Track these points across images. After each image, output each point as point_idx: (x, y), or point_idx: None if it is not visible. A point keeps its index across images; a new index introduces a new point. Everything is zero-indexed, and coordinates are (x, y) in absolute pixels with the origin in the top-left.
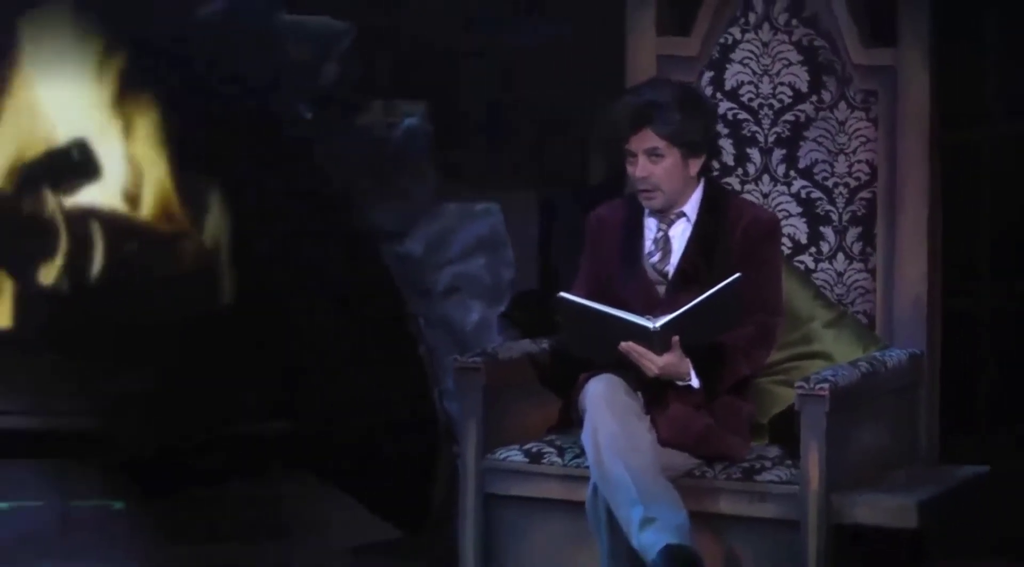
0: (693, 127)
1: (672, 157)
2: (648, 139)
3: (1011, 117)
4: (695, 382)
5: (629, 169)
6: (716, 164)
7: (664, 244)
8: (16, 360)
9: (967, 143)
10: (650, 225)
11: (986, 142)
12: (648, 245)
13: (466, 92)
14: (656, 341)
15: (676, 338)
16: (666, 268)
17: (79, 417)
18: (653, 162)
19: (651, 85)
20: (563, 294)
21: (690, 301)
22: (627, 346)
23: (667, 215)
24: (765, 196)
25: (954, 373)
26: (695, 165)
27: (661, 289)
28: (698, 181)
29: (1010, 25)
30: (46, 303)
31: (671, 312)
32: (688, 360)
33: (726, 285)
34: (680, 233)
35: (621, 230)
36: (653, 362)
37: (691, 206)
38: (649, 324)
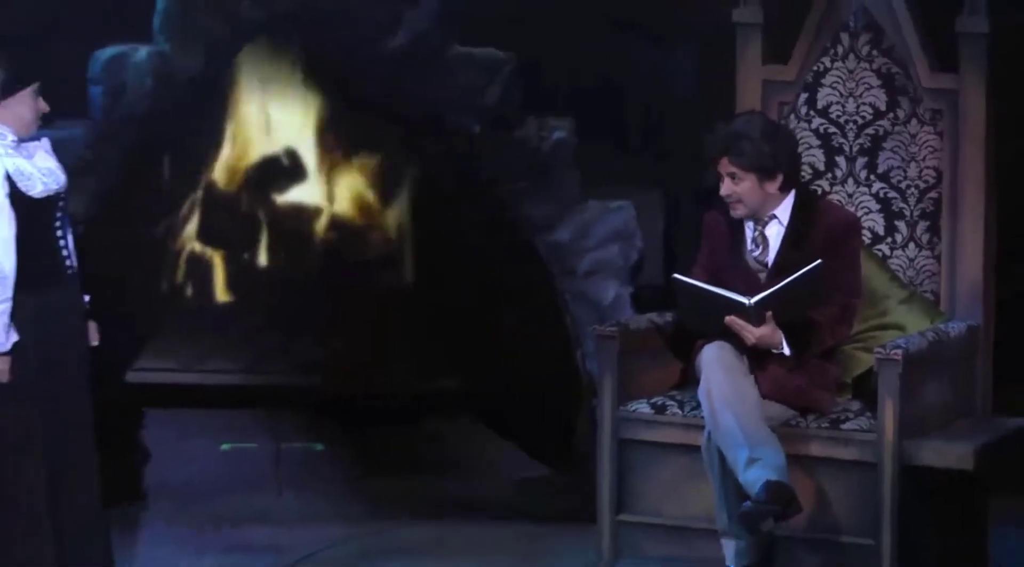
0: (765, 156)
1: (748, 180)
2: (727, 165)
3: None
4: (787, 350)
5: (720, 185)
6: (809, 170)
7: (762, 241)
8: (236, 328)
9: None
10: (749, 225)
11: None
12: (749, 242)
13: (606, 111)
14: (752, 315)
15: (769, 313)
16: (765, 259)
17: (287, 373)
18: (734, 182)
19: (739, 118)
20: (678, 275)
21: None
22: (730, 319)
23: (760, 219)
24: (849, 196)
25: (1013, 339)
26: (772, 184)
27: (762, 276)
28: (787, 191)
29: None
30: (260, 281)
31: None
32: (780, 332)
33: (807, 271)
34: (775, 233)
35: (728, 229)
36: (751, 333)
37: (783, 210)
38: (746, 301)
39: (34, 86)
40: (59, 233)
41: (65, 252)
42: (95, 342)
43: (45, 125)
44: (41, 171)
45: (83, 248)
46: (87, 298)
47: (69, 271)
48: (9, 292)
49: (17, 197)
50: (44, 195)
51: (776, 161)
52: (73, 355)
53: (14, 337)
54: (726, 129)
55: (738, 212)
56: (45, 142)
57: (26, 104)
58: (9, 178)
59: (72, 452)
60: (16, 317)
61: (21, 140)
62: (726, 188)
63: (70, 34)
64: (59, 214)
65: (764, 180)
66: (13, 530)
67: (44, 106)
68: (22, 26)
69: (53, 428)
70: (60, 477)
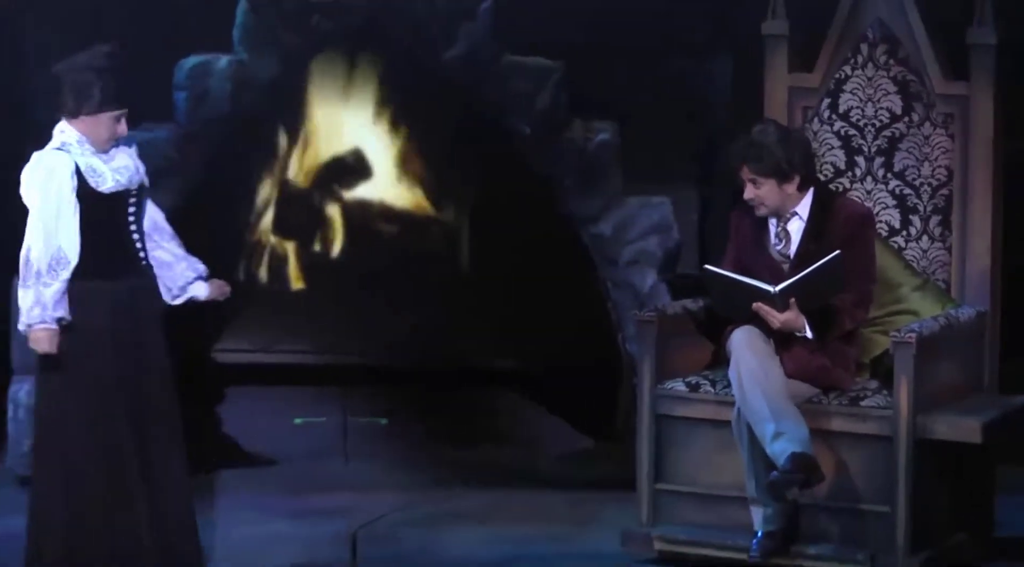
0: (780, 161)
1: (767, 183)
2: (748, 172)
3: None
4: (809, 334)
5: (744, 189)
6: (831, 169)
7: (784, 236)
8: (307, 312)
9: None
10: (772, 222)
11: None
12: (772, 236)
13: (646, 115)
14: (777, 302)
15: (792, 300)
16: (787, 252)
17: (354, 353)
18: (755, 186)
19: (755, 129)
20: (709, 266)
21: None
22: (757, 305)
23: (782, 216)
24: (868, 193)
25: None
26: (790, 185)
27: (785, 267)
28: (805, 190)
29: None
30: (329, 270)
31: None
32: (803, 317)
33: (826, 261)
34: (796, 228)
35: (753, 225)
36: (776, 318)
37: (803, 207)
38: (771, 289)
39: (118, 113)
40: (132, 227)
41: (139, 244)
42: (222, 296)
43: (133, 126)
44: (114, 169)
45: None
46: (202, 269)
47: (143, 262)
48: (65, 274)
49: (87, 192)
50: (114, 191)
51: (791, 165)
52: (149, 337)
53: (61, 313)
54: (744, 139)
55: (761, 212)
56: (132, 146)
57: (105, 125)
58: (80, 174)
59: (157, 426)
60: (92, 302)
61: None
62: (748, 192)
63: (157, 44)
64: (132, 209)
65: (782, 182)
66: (108, 499)
67: (123, 130)
68: (112, 37)
69: (135, 404)
70: (148, 450)
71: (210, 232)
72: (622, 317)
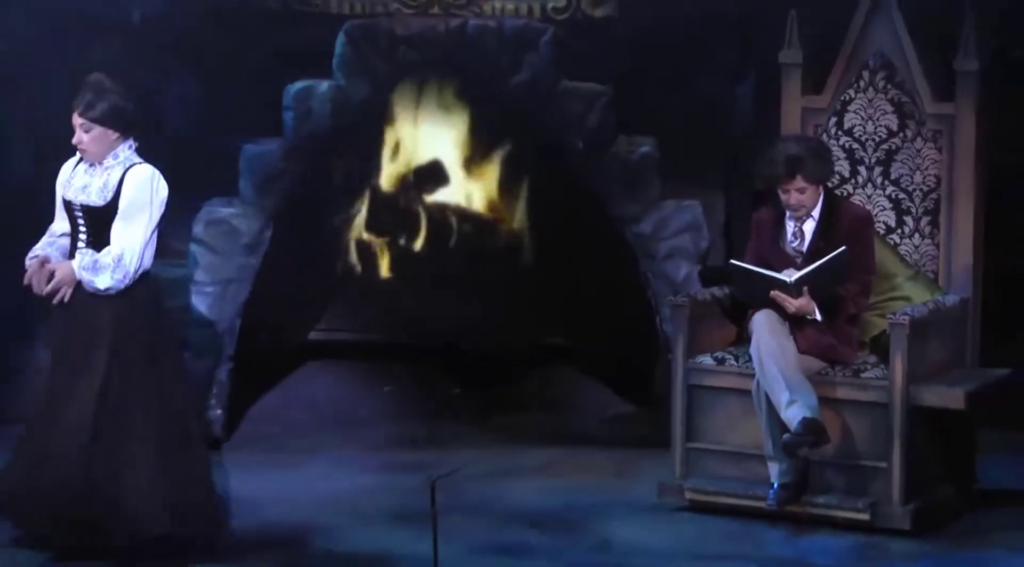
0: (822, 171)
1: (812, 189)
2: (798, 181)
3: None
4: (819, 317)
5: (783, 196)
6: (837, 177)
7: (799, 234)
8: (395, 299)
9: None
10: (790, 222)
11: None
12: (789, 235)
13: (681, 131)
14: (792, 290)
15: (805, 288)
16: (801, 248)
17: (435, 334)
18: (801, 193)
19: (797, 141)
20: (734, 260)
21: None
22: (775, 293)
23: (801, 217)
24: (868, 197)
25: (998, 308)
26: (822, 189)
27: (798, 260)
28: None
29: None
30: (414, 263)
31: None
32: (814, 303)
33: (834, 256)
34: (809, 227)
35: (773, 224)
36: (791, 303)
37: (816, 209)
38: (787, 279)
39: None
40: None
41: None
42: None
43: (249, 139)
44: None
45: (273, 238)
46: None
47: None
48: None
49: None
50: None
51: (832, 171)
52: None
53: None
54: (790, 154)
55: (800, 214)
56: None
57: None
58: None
59: (172, 403)
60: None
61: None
62: (795, 200)
63: (270, 71)
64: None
65: (820, 186)
66: (175, 446)
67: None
68: (232, 68)
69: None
70: (165, 423)
71: (312, 230)
72: (659, 302)
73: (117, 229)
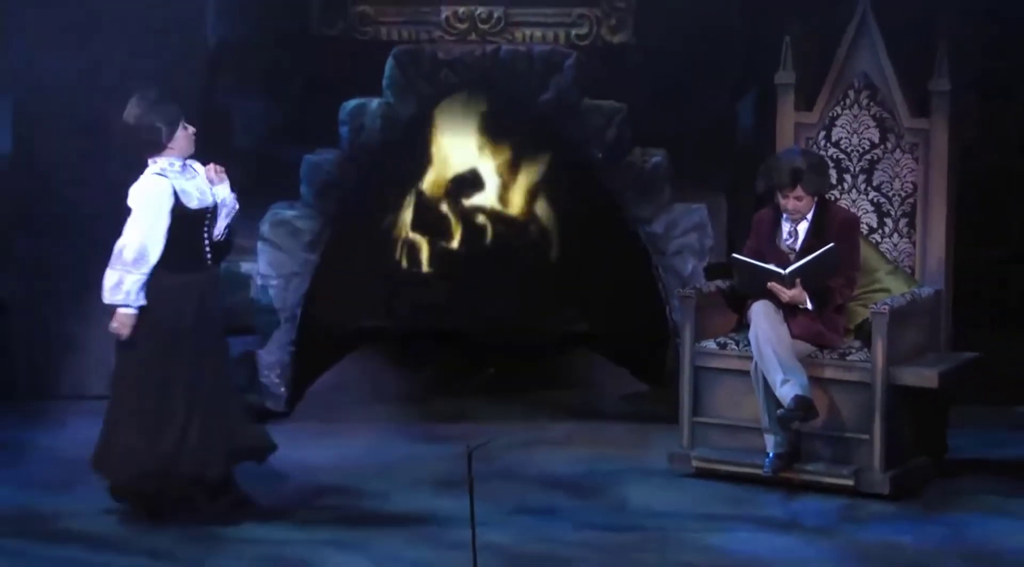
0: (821, 184)
1: (808, 197)
2: (798, 191)
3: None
4: (810, 306)
5: (782, 201)
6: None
7: (794, 233)
8: (437, 290)
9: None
10: (786, 223)
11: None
12: (785, 234)
13: (689, 143)
14: (787, 282)
15: (798, 280)
16: (795, 246)
17: (472, 322)
18: (799, 200)
19: (802, 155)
20: (735, 255)
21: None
22: (771, 284)
23: (796, 219)
24: (853, 201)
25: (966, 298)
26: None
27: (791, 256)
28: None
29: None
30: (453, 259)
31: None
32: (806, 293)
33: (823, 252)
34: (803, 228)
35: (770, 225)
36: (785, 294)
37: (810, 212)
38: (782, 272)
39: (181, 123)
40: (205, 236)
41: (207, 248)
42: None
43: (309, 151)
44: (199, 190)
45: (331, 237)
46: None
47: (208, 262)
48: (146, 268)
49: (178, 208)
50: (198, 208)
51: (828, 185)
52: (212, 315)
53: (142, 301)
54: (795, 166)
55: (796, 218)
56: (200, 169)
57: (182, 136)
58: (176, 194)
59: (209, 371)
60: (154, 287)
61: (185, 163)
62: (793, 206)
63: (329, 90)
64: (207, 222)
65: (815, 195)
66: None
67: (192, 129)
68: (295, 87)
69: (197, 373)
70: (199, 386)
71: (363, 230)
72: (669, 294)
73: None
